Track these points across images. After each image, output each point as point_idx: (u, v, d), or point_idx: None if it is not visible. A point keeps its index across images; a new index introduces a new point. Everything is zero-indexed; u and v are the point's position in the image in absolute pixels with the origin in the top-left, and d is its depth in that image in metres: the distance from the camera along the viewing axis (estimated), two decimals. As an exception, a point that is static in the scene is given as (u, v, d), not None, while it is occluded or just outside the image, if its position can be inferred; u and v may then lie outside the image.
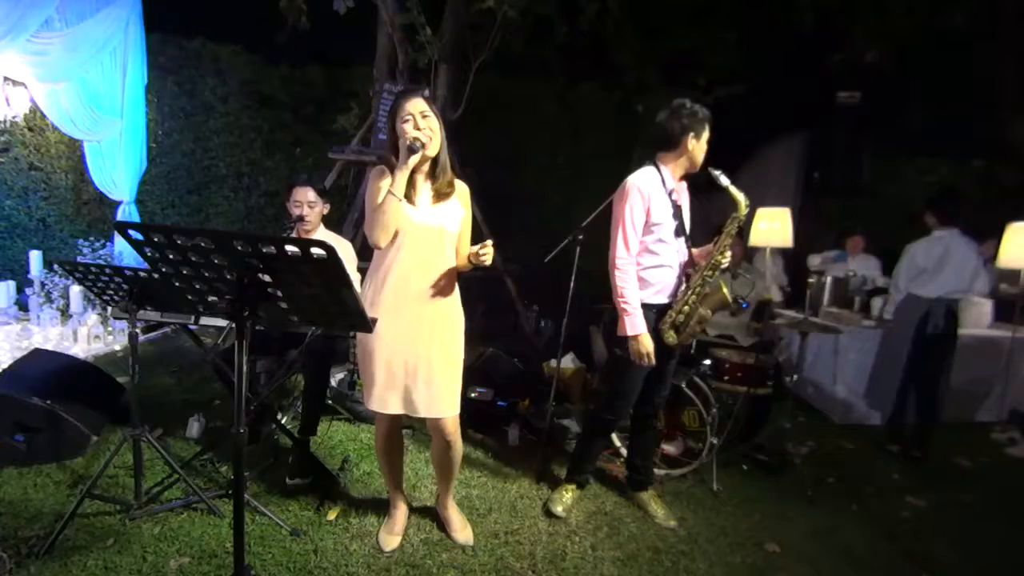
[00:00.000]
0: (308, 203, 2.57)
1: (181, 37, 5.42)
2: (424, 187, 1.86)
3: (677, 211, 2.18)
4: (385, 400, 1.89)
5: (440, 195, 1.87)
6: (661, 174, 2.18)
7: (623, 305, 2.13)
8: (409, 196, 1.81)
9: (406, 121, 1.77)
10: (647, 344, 2.12)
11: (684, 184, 2.29)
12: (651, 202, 2.13)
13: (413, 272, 1.83)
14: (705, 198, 2.17)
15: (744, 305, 2.09)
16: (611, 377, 2.34)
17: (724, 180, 2.11)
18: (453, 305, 1.95)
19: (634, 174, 2.18)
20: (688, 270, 2.24)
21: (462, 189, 1.95)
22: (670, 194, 2.18)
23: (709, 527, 2.37)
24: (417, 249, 1.83)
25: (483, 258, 1.78)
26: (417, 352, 1.86)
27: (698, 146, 2.17)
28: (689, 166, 2.20)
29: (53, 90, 4.34)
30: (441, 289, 1.87)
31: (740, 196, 2.12)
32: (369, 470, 2.62)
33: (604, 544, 2.20)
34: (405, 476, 2.34)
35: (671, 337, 2.18)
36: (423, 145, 1.75)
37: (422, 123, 1.77)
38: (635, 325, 2.12)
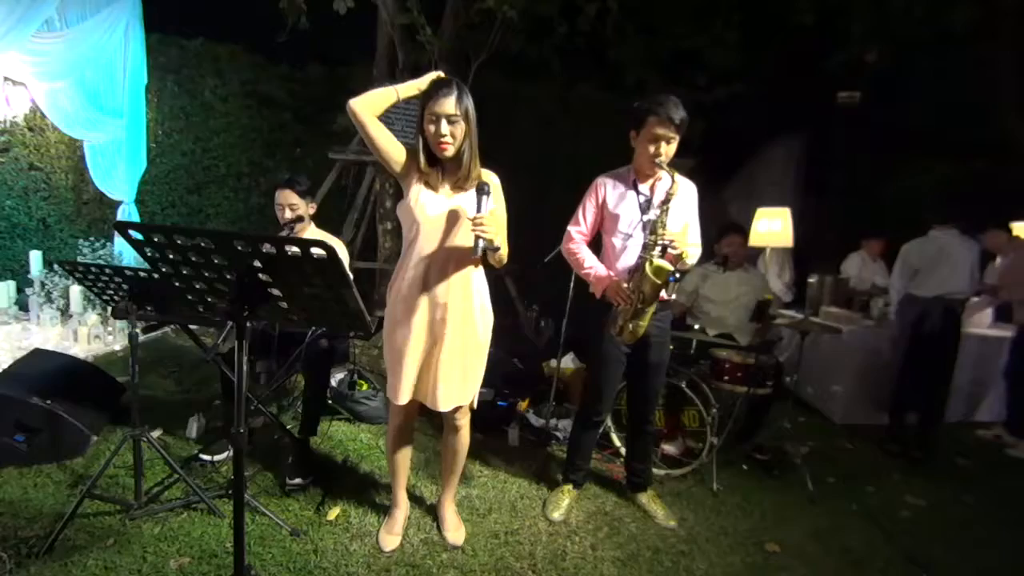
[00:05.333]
0: (289, 205, 2.57)
1: (181, 37, 5.41)
2: (446, 180, 1.86)
3: (645, 205, 2.15)
4: (397, 389, 1.89)
5: (460, 188, 1.85)
6: (632, 171, 2.22)
7: (584, 272, 2.26)
8: (432, 185, 1.83)
9: (431, 123, 1.77)
10: (615, 285, 2.14)
11: (686, 182, 2.22)
12: (607, 194, 2.22)
13: (432, 264, 1.83)
14: (714, 198, 2.12)
15: (672, 279, 2.02)
16: (589, 372, 2.42)
17: (664, 167, 2.07)
18: (473, 298, 1.90)
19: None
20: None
21: (492, 180, 1.90)
22: (636, 188, 2.18)
23: (709, 527, 2.37)
24: (436, 241, 1.82)
25: (479, 230, 1.69)
26: (431, 343, 1.87)
27: (638, 140, 2.14)
28: (643, 162, 2.15)
29: (53, 90, 4.33)
30: (460, 281, 1.86)
31: (673, 174, 2.04)
32: (369, 470, 2.63)
33: (604, 544, 2.20)
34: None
35: (623, 332, 2.16)
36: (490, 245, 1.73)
37: (445, 128, 1.75)
38: (600, 280, 2.20)
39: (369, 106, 1.76)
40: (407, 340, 1.86)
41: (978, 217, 3.63)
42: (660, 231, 2.03)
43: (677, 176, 2.05)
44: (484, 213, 1.72)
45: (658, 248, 2.03)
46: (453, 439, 2.06)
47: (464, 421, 2.03)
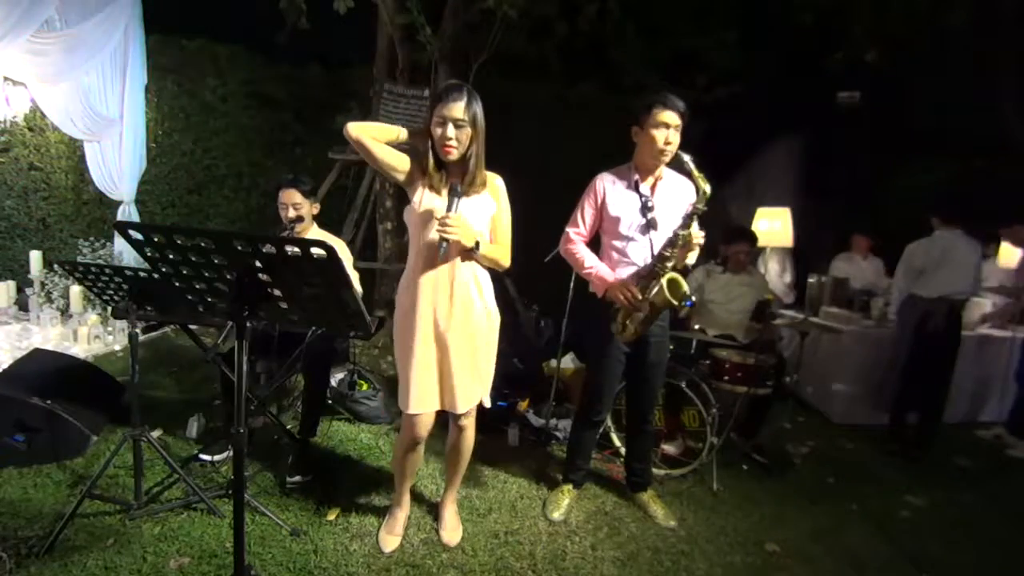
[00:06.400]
0: (293, 204, 2.57)
1: (181, 37, 5.41)
2: (450, 184, 1.84)
3: (646, 208, 2.14)
4: (407, 398, 1.88)
5: (464, 192, 1.84)
6: (634, 170, 2.20)
7: (585, 271, 2.23)
8: (436, 188, 1.84)
9: (439, 126, 1.77)
10: (619, 287, 2.12)
11: (687, 182, 2.20)
12: (607, 195, 2.19)
13: (437, 267, 1.83)
14: (714, 198, 2.09)
15: (688, 303, 2.05)
16: (589, 372, 2.41)
17: (690, 164, 2.01)
18: (479, 299, 1.91)
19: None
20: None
21: (495, 183, 1.92)
22: (637, 189, 2.17)
23: (709, 527, 2.37)
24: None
25: (442, 230, 1.70)
26: (440, 350, 1.87)
27: (642, 134, 2.12)
28: (646, 157, 2.14)
29: (53, 90, 4.34)
30: (465, 284, 1.86)
31: (703, 183, 2.00)
32: (369, 470, 2.62)
33: (604, 544, 2.20)
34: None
35: (624, 331, 2.16)
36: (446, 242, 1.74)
37: (451, 132, 1.75)
38: (602, 280, 2.18)
39: (368, 130, 1.78)
40: (415, 346, 1.85)
41: (982, 217, 3.61)
42: (680, 245, 2.02)
43: (694, 179, 2.01)
44: (453, 213, 1.74)
45: (671, 262, 2.03)
46: (459, 439, 2.07)
47: (470, 421, 2.03)
